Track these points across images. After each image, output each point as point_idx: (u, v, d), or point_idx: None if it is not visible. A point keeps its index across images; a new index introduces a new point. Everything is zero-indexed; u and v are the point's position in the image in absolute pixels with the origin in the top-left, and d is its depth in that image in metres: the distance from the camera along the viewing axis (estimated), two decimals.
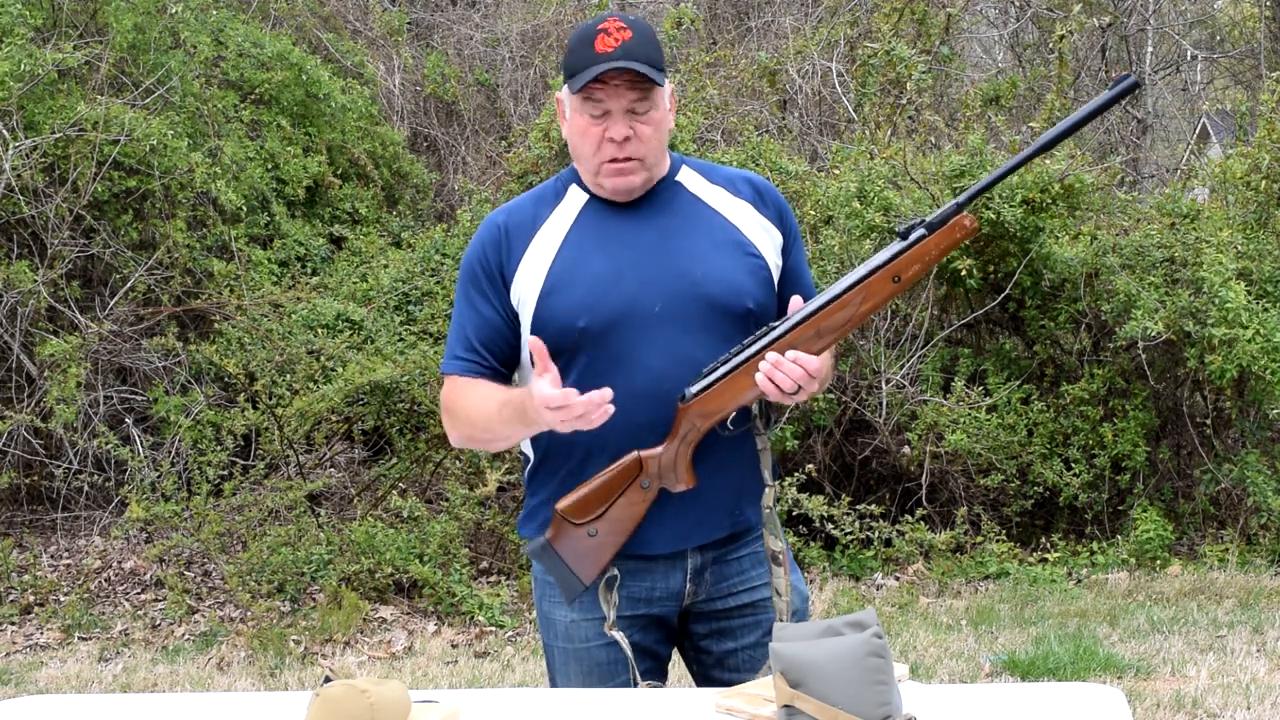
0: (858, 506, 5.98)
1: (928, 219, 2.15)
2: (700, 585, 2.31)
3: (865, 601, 5.67)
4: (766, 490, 2.26)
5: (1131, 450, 6.25)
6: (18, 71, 6.21)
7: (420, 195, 8.68)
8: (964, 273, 6.21)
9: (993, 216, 6.18)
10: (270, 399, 5.95)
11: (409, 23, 9.88)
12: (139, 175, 6.50)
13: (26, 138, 6.26)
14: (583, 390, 2.05)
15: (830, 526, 5.90)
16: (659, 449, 2.18)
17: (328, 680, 1.88)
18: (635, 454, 2.18)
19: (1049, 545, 6.28)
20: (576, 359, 2.20)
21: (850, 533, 5.92)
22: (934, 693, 2.00)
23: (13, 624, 5.58)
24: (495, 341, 2.27)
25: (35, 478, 6.51)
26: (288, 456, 6.14)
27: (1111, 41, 11.58)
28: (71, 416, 5.84)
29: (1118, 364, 6.48)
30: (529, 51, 9.61)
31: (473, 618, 5.51)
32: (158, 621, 5.60)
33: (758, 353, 2.14)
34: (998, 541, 6.14)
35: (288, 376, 6.06)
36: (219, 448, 5.87)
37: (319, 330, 6.30)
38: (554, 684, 2.37)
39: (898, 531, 5.98)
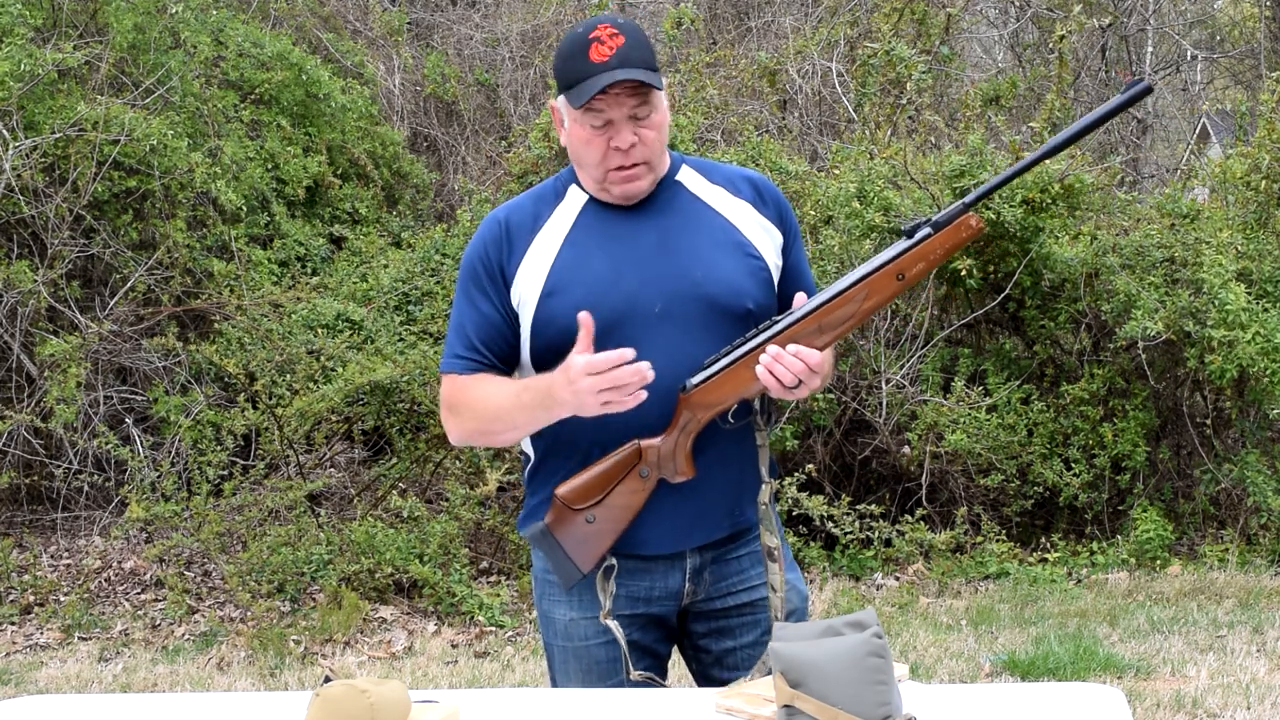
0: (858, 506, 5.98)
1: (934, 218, 2.15)
2: (699, 585, 2.31)
3: (865, 601, 5.67)
4: (764, 486, 2.26)
5: (1131, 450, 6.25)
6: (18, 71, 6.21)
7: (420, 195, 8.67)
8: (964, 273, 6.21)
9: (993, 216, 6.17)
10: (270, 399, 5.95)
11: (409, 23, 9.88)
12: (139, 175, 6.50)
13: (26, 138, 6.26)
14: None
15: (830, 526, 5.90)
16: (659, 439, 2.18)
17: (328, 680, 1.88)
18: (635, 443, 2.19)
19: (1049, 545, 6.28)
20: None
21: (850, 533, 5.92)
22: (934, 693, 2.00)
23: (13, 624, 5.58)
24: (495, 340, 2.27)
25: (35, 478, 6.51)
26: (288, 456, 6.14)
27: (1111, 42, 11.57)
28: (71, 416, 5.84)
29: (1118, 364, 6.48)
30: (529, 51, 9.61)
31: (473, 618, 5.51)
32: (158, 621, 5.60)
33: (760, 345, 2.14)
34: (998, 541, 6.14)
35: (288, 376, 6.06)
36: (219, 448, 5.87)
37: (319, 330, 6.30)
38: (554, 683, 2.37)
39: (898, 531, 5.98)
